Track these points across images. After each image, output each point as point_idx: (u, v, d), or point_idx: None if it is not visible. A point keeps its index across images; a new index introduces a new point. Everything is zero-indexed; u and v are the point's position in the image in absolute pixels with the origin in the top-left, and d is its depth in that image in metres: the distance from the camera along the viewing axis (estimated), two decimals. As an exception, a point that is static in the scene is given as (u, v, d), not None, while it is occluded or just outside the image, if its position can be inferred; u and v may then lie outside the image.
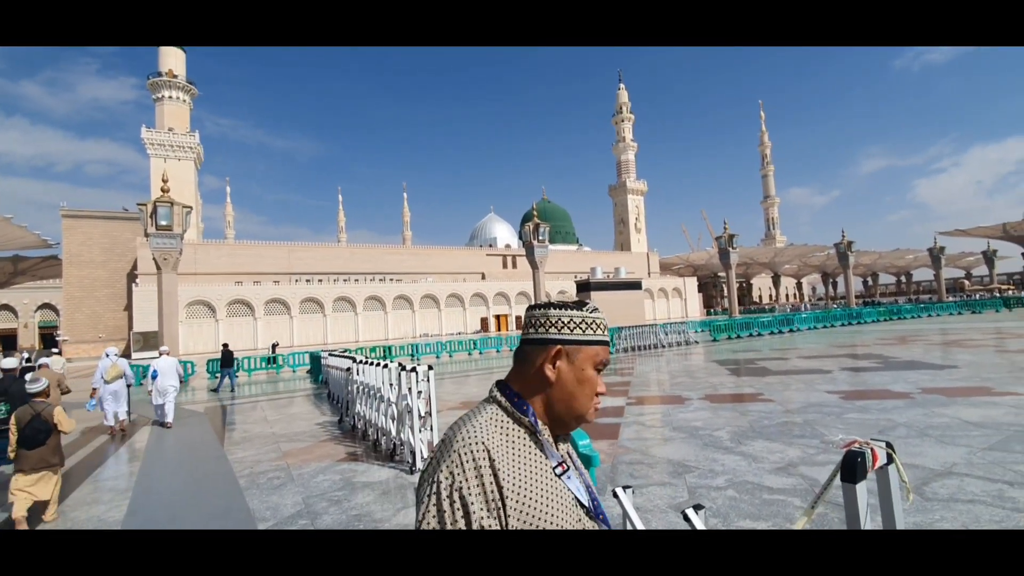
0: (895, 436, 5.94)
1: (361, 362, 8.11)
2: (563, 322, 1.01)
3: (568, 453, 1.07)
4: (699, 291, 75.91)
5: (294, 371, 22.46)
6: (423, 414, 5.94)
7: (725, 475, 5.00)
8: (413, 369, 5.99)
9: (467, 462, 0.88)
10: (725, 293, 47.58)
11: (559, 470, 0.97)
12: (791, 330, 28.38)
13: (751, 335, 26.50)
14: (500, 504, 0.87)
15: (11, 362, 6.20)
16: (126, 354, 37.25)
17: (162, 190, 22.89)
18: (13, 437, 4.96)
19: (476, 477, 0.87)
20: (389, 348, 25.62)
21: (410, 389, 5.94)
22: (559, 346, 1.00)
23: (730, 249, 42.99)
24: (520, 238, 49.78)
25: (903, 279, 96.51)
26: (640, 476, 5.12)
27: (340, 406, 9.84)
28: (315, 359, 18.49)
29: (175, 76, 60.13)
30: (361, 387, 7.91)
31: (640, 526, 2.13)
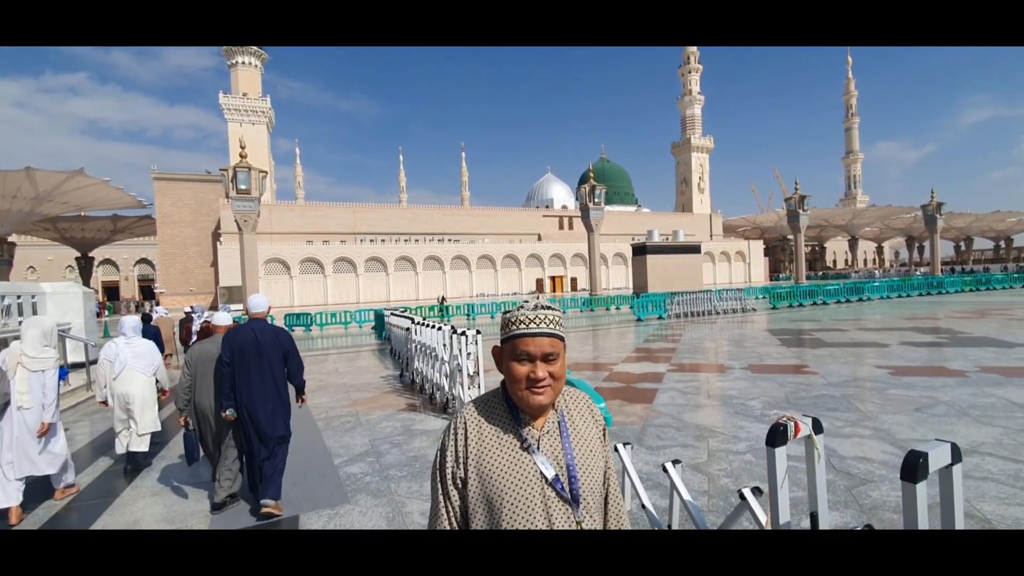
0: (933, 414, 5.99)
1: (419, 323, 8.91)
2: (501, 326, 1.27)
3: (559, 424, 1.24)
4: (766, 255, 72.48)
5: (360, 327, 24.19)
6: (472, 373, 6.62)
7: (747, 441, 5.36)
8: (463, 333, 6.66)
9: (451, 429, 1.25)
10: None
11: (525, 445, 1.20)
12: (860, 299, 26.97)
13: (815, 304, 25.48)
14: (465, 460, 1.20)
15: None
16: (214, 306, 41.07)
17: (240, 155, 24.61)
18: None
19: (452, 439, 1.23)
20: (446, 307, 26.82)
21: (460, 351, 6.63)
22: (496, 346, 1.29)
23: (800, 211, 40.61)
24: (576, 199, 49.38)
25: (1002, 244, 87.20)
26: (666, 439, 5.58)
27: (401, 361, 10.83)
28: (379, 316, 19.89)
29: (246, 41, 62.55)
30: (419, 346, 8.73)
31: (687, 496, 2.48)
